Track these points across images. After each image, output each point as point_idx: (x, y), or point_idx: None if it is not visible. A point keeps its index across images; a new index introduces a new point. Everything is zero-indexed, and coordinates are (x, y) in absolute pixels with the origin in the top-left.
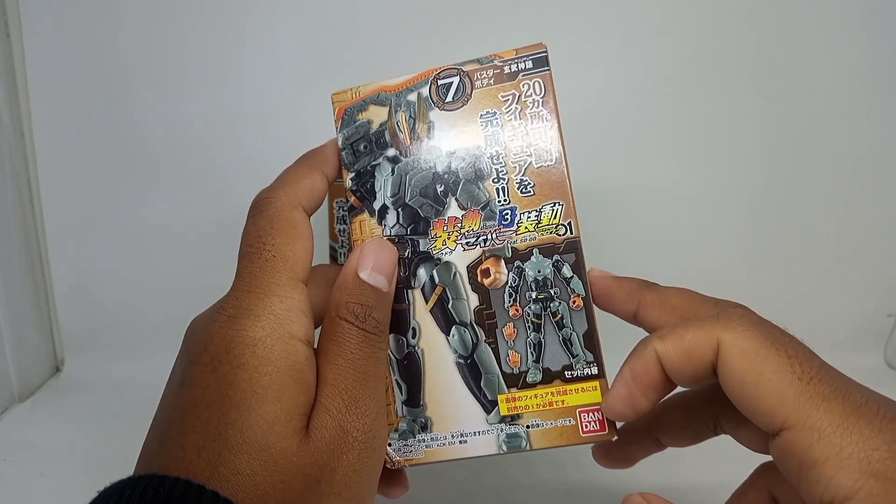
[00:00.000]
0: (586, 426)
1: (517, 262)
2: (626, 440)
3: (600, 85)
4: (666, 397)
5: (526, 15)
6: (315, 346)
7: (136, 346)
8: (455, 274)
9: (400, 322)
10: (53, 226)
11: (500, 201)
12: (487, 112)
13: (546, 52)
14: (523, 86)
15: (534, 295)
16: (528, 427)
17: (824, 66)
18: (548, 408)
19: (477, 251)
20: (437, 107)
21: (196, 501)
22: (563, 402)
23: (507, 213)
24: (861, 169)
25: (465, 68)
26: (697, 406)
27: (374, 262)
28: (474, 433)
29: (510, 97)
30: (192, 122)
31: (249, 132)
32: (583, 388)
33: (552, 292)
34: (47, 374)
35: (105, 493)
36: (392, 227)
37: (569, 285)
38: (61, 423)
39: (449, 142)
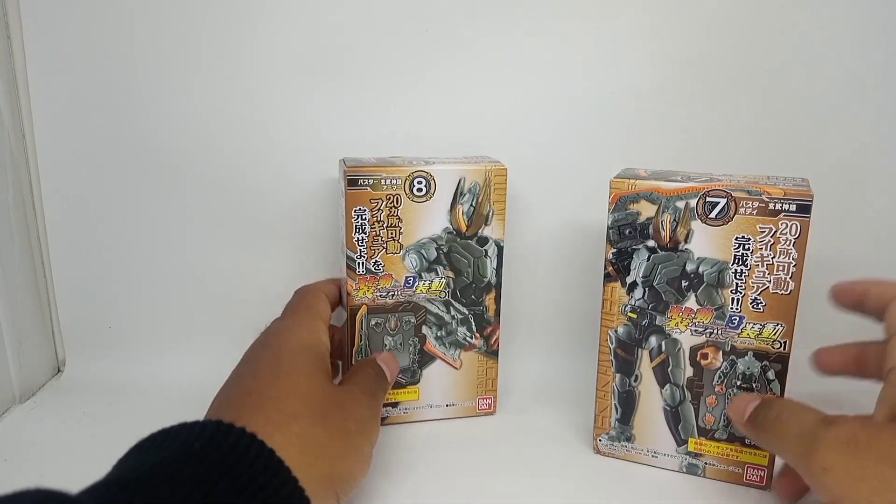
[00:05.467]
0: (749, 476)
1: (732, 357)
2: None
3: (600, 84)
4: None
5: (529, 11)
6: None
7: (138, 347)
8: (680, 349)
9: (628, 368)
10: (53, 226)
11: (732, 308)
12: (743, 236)
13: (811, 201)
14: (781, 223)
15: (738, 383)
16: (706, 463)
17: (824, 64)
18: (725, 456)
19: (702, 338)
20: (700, 219)
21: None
22: (737, 456)
23: (735, 319)
24: (861, 169)
25: (734, 194)
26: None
27: (384, 358)
28: (664, 454)
29: (767, 230)
30: (193, 121)
31: (251, 133)
32: (756, 453)
33: (754, 386)
34: (48, 374)
35: (175, 430)
36: (637, 300)
37: (768, 385)
38: (62, 424)
39: (701, 249)
